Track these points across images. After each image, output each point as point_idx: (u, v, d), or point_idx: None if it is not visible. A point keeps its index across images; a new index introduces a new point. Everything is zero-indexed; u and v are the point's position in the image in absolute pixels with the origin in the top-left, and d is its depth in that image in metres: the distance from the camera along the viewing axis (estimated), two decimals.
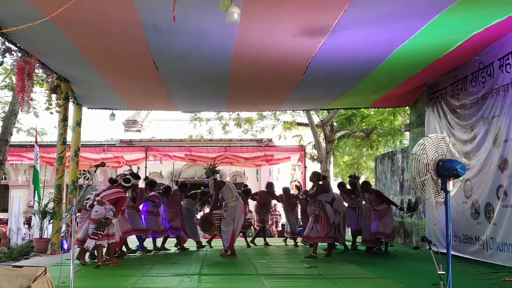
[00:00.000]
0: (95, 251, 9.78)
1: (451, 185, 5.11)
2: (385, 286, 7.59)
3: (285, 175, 24.84)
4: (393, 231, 12.00)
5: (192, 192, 12.95)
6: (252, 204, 15.35)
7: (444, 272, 5.12)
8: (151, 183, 12.47)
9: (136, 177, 11.59)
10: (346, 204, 12.72)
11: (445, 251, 5.41)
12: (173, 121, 26.17)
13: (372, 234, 11.83)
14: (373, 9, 7.18)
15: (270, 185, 14.38)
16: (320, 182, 11.16)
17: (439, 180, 5.17)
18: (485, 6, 7.24)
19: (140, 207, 12.14)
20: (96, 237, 9.33)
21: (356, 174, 19.54)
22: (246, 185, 14.30)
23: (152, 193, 12.34)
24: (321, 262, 10.08)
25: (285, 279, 8.19)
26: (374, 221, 11.79)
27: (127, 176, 10.96)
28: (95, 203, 9.55)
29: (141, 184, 12.26)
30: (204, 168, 13.50)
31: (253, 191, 14.21)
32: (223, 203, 10.97)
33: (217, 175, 11.21)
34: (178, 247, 12.85)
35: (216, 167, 11.42)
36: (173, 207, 12.62)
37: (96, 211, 9.47)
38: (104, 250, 9.80)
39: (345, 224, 12.48)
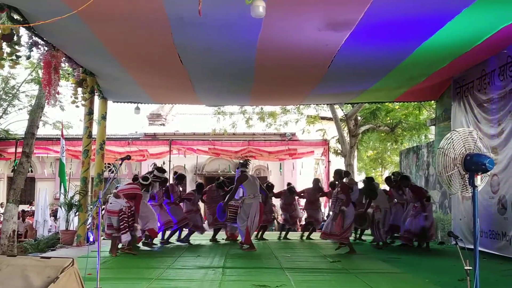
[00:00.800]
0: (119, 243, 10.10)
1: (479, 180, 5.04)
2: (410, 281, 7.53)
3: (308, 169, 24.79)
4: (425, 231, 11.20)
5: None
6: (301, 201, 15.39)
7: (471, 268, 5.07)
8: (179, 177, 12.64)
9: (162, 171, 11.68)
10: (395, 200, 12.41)
11: (471, 246, 5.35)
12: (197, 115, 26.25)
13: (405, 232, 11.62)
14: (399, 2, 7.12)
15: (317, 181, 14.12)
16: (345, 180, 11.06)
17: (467, 174, 5.10)
18: None
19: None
20: (125, 230, 9.65)
21: (381, 168, 19.35)
22: (269, 182, 14.16)
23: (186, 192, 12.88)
24: (345, 257, 10.05)
25: (309, 273, 8.18)
26: (409, 218, 11.49)
27: (146, 175, 11.19)
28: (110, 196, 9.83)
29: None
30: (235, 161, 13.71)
31: (276, 185, 14.16)
32: (241, 198, 11.03)
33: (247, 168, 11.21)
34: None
35: (248, 161, 11.46)
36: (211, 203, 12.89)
37: (111, 203, 9.81)
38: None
39: (385, 220, 11.91)
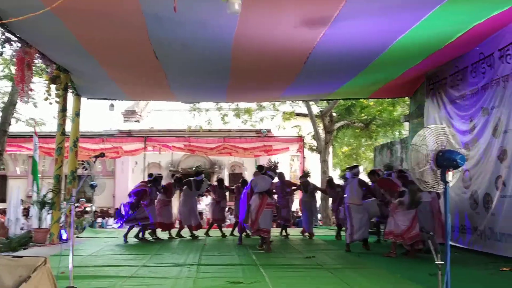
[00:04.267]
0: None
1: (450, 176, 5.11)
2: (383, 276, 7.60)
3: (284, 166, 24.83)
4: (404, 232, 9.41)
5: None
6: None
7: (442, 262, 5.14)
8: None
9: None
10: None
11: (443, 241, 5.42)
12: (172, 111, 26.11)
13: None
14: (374, 0, 7.17)
15: (330, 181, 13.90)
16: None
17: (439, 170, 5.17)
18: None
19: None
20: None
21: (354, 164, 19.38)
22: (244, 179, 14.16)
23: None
24: (319, 253, 10.12)
25: (284, 269, 8.22)
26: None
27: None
28: None
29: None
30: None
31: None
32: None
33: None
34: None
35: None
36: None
37: None
38: None
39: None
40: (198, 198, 14.11)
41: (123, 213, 12.48)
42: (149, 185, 12.79)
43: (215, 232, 13.82)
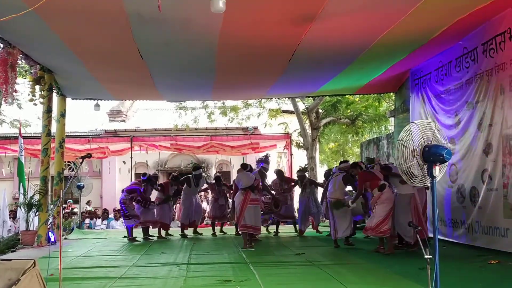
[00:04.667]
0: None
1: (437, 171, 5.15)
2: (372, 272, 7.64)
3: (271, 163, 24.86)
4: (376, 226, 9.36)
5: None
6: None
7: (431, 256, 5.18)
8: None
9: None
10: None
11: (431, 235, 5.45)
12: (158, 110, 26.04)
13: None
14: None
15: (280, 172, 13.95)
16: None
17: (425, 165, 5.21)
18: None
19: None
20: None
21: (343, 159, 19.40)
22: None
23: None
24: (309, 249, 10.14)
25: (274, 266, 8.24)
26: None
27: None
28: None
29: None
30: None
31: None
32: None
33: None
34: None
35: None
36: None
37: None
38: None
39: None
40: (199, 194, 14.06)
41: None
42: (143, 184, 12.80)
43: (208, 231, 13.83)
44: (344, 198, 10.43)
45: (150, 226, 13.07)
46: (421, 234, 5.48)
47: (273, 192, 12.80)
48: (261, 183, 11.70)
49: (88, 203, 21.34)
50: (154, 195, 13.43)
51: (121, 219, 18.20)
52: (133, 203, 12.64)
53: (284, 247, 10.87)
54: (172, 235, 13.31)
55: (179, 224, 13.78)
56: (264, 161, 12.35)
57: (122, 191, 13.01)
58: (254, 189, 10.66)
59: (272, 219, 13.58)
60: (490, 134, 8.96)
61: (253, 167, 12.28)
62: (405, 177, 5.42)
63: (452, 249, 9.56)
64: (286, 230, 13.87)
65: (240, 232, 11.42)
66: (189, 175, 13.44)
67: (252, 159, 23.78)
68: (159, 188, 13.16)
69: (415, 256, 7.87)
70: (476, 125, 9.41)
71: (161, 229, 13.17)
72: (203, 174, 13.57)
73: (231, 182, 14.02)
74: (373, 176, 9.65)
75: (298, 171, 13.45)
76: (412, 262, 7.81)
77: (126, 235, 12.81)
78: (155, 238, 12.80)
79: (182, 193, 13.48)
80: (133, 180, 16.85)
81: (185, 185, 13.29)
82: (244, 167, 11.64)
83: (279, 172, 13.55)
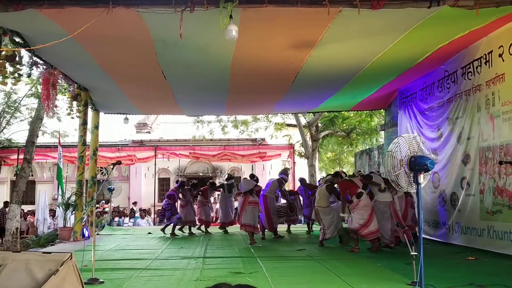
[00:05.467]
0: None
1: (422, 178, 5.15)
2: (365, 265, 7.61)
3: (276, 170, 24.84)
4: (359, 229, 8.92)
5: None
6: None
7: (416, 253, 5.16)
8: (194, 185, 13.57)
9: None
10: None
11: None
12: (179, 123, 26.13)
13: None
14: (353, 26, 7.20)
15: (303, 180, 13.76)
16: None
17: (411, 174, 5.21)
18: (448, 23, 7.26)
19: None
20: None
21: (339, 168, 19.39)
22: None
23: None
24: (310, 246, 10.10)
25: (278, 260, 8.22)
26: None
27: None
28: None
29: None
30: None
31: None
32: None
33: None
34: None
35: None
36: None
37: None
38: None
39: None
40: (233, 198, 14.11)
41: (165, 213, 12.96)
42: (180, 190, 13.15)
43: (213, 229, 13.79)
44: (330, 205, 10.06)
45: (196, 224, 13.24)
46: (408, 235, 5.45)
47: (290, 197, 12.90)
48: (278, 191, 12.26)
49: (134, 204, 21.40)
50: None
51: (148, 217, 18.30)
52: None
53: (288, 244, 10.83)
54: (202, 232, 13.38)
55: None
56: (284, 173, 12.58)
57: (165, 197, 13.43)
58: (253, 192, 10.82)
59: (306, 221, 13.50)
60: (468, 146, 8.93)
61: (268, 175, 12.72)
62: (394, 184, 5.42)
63: (435, 247, 9.49)
64: (297, 228, 13.67)
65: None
66: (224, 183, 13.73)
67: (260, 167, 23.87)
68: (199, 192, 13.37)
69: (403, 253, 7.82)
70: (456, 138, 9.38)
71: (206, 226, 13.40)
72: (235, 183, 13.63)
73: None
74: (352, 184, 9.31)
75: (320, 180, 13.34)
76: (400, 258, 7.77)
77: (150, 232, 12.80)
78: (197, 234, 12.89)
79: (219, 197, 14.02)
80: (157, 184, 16.97)
81: (221, 190, 13.62)
82: (251, 176, 11.92)
83: (302, 180, 13.50)
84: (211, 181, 14.59)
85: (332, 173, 11.40)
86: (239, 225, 11.11)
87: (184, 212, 12.88)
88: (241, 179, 12.20)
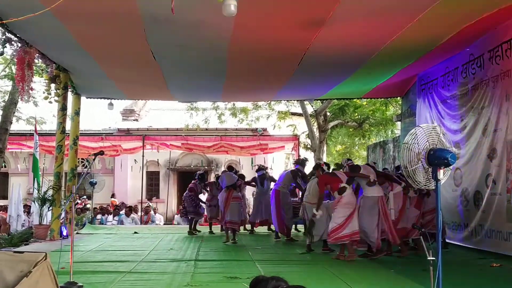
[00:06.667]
0: None
1: (441, 174, 5.11)
2: (376, 272, 7.62)
3: (279, 164, 24.86)
4: (332, 231, 8.61)
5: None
6: None
7: (433, 258, 5.15)
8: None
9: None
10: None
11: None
12: (170, 110, 26.10)
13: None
14: (367, 2, 7.18)
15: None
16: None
17: (430, 169, 5.18)
18: None
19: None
20: None
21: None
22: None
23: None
24: (314, 248, 10.09)
25: (279, 264, 8.24)
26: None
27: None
28: None
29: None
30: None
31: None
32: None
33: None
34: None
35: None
36: None
37: None
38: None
39: None
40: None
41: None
42: (198, 183, 13.42)
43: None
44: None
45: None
46: (424, 238, 5.42)
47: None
48: (292, 184, 12.16)
49: (121, 205, 21.50)
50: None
51: (134, 215, 18.34)
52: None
53: (290, 246, 10.84)
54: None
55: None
56: (300, 163, 12.32)
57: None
58: (236, 187, 11.32)
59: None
60: (494, 140, 8.91)
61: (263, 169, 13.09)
62: (410, 180, 5.40)
63: (455, 251, 9.51)
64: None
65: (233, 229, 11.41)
66: (255, 176, 13.25)
67: (260, 160, 23.85)
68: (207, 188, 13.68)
69: (418, 258, 7.82)
70: (481, 130, 9.36)
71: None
72: (267, 174, 13.31)
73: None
74: (334, 178, 8.91)
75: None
76: (415, 263, 7.77)
77: (137, 231, 12.85)
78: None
79: (254, 193, 13.81)
80: (144, 178, 17.10)
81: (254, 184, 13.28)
82: (230, 169, 12.37)
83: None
84: (200, 172, 14.23)
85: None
86: (223, 222, 11.43)
87: (209, 209, 13.18)
88: (248, 173, 12.19)
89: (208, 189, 13.61)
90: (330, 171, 9.80)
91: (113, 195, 22.93)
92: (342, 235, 8.47)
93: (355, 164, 9.68)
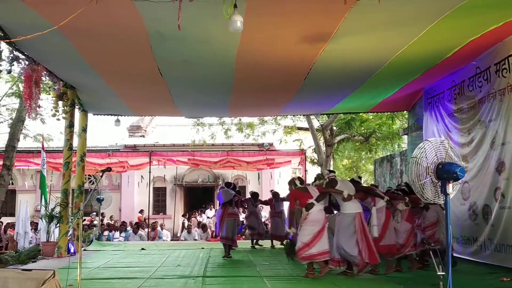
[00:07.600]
0: None
1: (450, 188, 5.10)
2: (384, 287, 7.56)
3: (286, 179, 24.75)
4: (299, 249, 8.30)
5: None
6: None
7: (443, 273, 5.11)
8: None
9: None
10: None
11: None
12: (176, 126, 26.16)
13: None
14: (372, 17, 7.18)
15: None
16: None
17: (439, 183, 5.16)
18: (481, 13, 7.24)
19: None
20: None
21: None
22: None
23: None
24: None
25: (287, 280, 8.17)
26: None
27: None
28: None
29: None
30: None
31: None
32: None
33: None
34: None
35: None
36: None
37: None
38: None
39: None
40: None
41: None
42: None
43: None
44: None
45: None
46: (434, 253, 5.38)
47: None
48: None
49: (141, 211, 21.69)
50: None
51: (141, 231, 18.28)
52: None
53: (298, 261, 10.75)
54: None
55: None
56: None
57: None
58: (232, 203, 11.56)
59: None
60: (503, 153, 8.86)
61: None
62: (419, 194, 5.37)
63: (464, 266, 9.41)
64: None
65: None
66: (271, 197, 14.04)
67: (267, 175, 23.83)
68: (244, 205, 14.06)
69: (429, 273, 7.75)
70: (489, 143, 9.32)
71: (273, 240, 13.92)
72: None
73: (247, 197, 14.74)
74: (304, 194, 8.47)
75: None
76: (425, 279, 7.70)
77: (144, 247, 12.81)
78: None
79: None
80: (151, 194, 17.07)
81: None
82: (227, 185, 12.31)
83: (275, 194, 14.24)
84: (227, 182, 14.23)
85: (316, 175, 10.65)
86: (219, 238, 11.82)
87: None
88: (254, 189, 12.27)
89: (245, 205, 13.97)
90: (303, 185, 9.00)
91: (141, 211, 22.89)
92: (308, 254, 8.14)
93: (333, 178, 8.89)
